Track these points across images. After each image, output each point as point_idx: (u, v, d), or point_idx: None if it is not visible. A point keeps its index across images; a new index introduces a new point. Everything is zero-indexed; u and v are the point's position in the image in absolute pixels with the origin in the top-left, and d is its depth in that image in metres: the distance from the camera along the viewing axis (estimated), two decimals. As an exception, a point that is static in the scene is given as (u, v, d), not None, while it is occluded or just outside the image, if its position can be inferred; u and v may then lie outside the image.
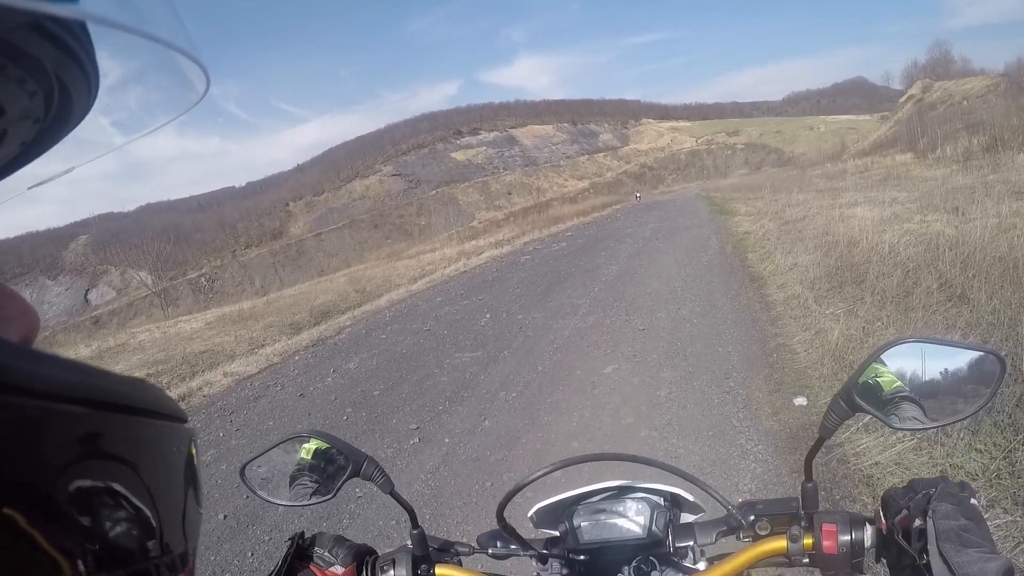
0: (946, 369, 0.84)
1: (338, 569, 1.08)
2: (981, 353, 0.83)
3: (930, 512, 0.82)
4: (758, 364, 5.71)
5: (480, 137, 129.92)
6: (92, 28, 0.33)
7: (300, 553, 1.08)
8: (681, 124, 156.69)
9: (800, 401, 4.72)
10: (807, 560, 0.97)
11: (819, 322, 6.31)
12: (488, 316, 10.05)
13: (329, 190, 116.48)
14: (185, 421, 0.35)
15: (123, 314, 66.27)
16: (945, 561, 0.75)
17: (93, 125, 0.38)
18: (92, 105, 0.37)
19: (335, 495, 1.10)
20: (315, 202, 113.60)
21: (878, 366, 0.85)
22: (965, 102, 57.44)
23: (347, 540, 1.12)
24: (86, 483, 0.26)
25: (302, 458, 1.12)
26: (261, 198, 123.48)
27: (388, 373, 7.58)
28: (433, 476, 4.55)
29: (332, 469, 1.10)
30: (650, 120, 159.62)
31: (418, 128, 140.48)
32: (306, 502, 1.11)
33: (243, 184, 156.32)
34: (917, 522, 0.84)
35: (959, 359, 0.84)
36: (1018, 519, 2.86)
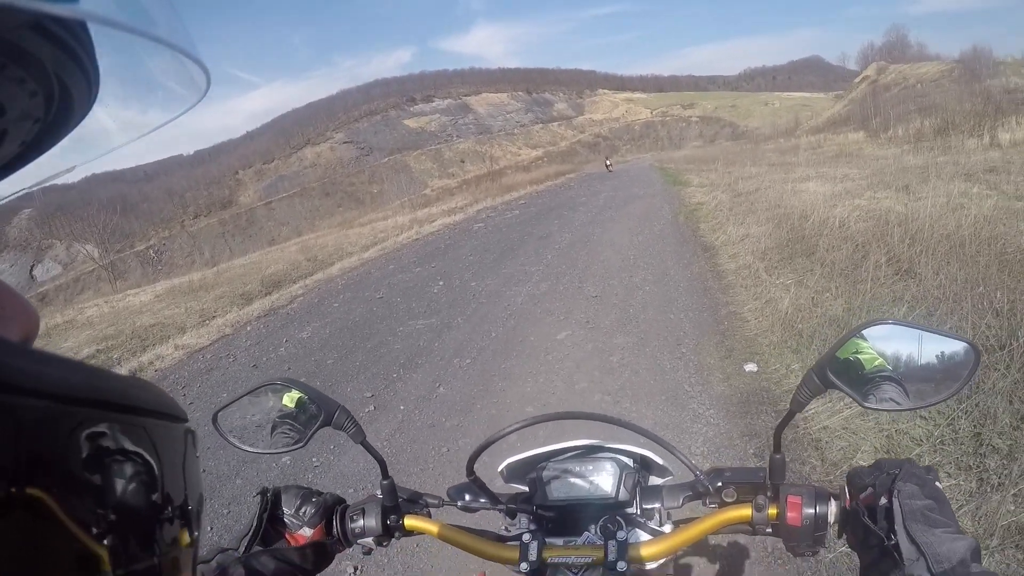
0: (922, 354, 0.84)
1: (306, 531, 1.09)
2: (957, 341, 0.83)
3: (896, 492, 0.84)
4: (709, 331, 5.79)
5: (434, 104, 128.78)
6: (92, 28, 0.33)
7: (270, 512, 1.07)
8: (637, 96, 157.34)
9: (751, 367, 4.81)
10: (770, 530, 0.99)
11: (769, 291, 6.41)
12: (441, 283, 10.02)
13: (279, 158, 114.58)
14: (185, 420, 0.36)
15: (70, 289, 64.52)
16: (913, 540, 0.77)
17: (93, 125, 0.38)
18: (92, 105, 0.37)
19: (307, 444, 1.09)
20: (265, 170, 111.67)
21: (854, 344, 0.85)
22: (919, 85, 58.38)
23: (314, 493, 1.13)
24: (92, 482, 0.26)
25: (275, 406, 1.11)
26: (210, 167, 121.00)
27: (342, 342, 7.52)
28: (389, 443, 4.54)
29: (304, 418, 1.10)
30: (605, 91, 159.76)
31: (371, 95, 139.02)
32: (278, 450, 1.11)
33: (191, 152, 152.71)
34: (883, 501, 0.86)
35: (935, 345, 0.84)
36: (961, 483, 2.95)
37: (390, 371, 6.09)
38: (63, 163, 0.40)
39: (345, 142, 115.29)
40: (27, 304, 0.36)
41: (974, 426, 3.31)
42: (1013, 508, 2.70)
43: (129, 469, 0.29)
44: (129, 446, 0.29)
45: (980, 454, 3.12)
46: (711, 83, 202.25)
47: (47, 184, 0.41)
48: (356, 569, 3.16)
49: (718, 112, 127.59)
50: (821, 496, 0.94)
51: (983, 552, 2.48)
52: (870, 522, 0.85)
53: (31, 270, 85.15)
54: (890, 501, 0.84)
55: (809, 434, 3.67)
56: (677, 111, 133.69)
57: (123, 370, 7.95)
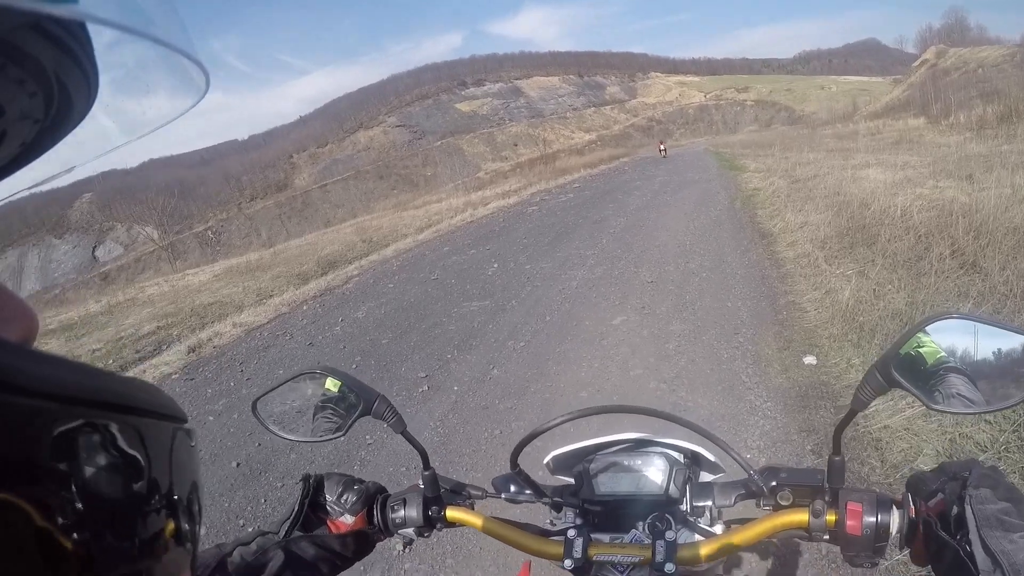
0: (993, 351, 0.76)
1: (348, 519, 1.08)
2: None
3: (967, 498, 0.77)
4: (768, 321, 5.67)
5: (485, 88, 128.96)
6: (92, 28, 0.33)
7: (311, 498, 1.07)
8: (690, 79, 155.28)
9: (810, 360, 4.68)
10: (827, 537, 0.93)
11: (830, 282, 6.25)
12: (496, 266, 10.03)
13: (333, 141, 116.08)
14: (185, 420, 0.35)
15: (131, 269, 66.31)
16: (988, 550, 0.71)
17: (93, 125, 0.37)
18: (92, 105, 0.37)
19: (346, 433, 1.08)
20: (319, 154, 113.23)
21: (920, 340, 0.78)
22: (980, 70, 56.64)
23: (356, 481, 1.12)
24: (91, 482, 0.26)
25: (314, 394, 1.10)
26: (265, 151, 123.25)
27: (396, 322, 7.57)
28: (442, 424, 4.56)
29: (344, 406, 1.09)
30: (658, 74, 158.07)
31: (422, 79, 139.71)
32: (317, 438, 1.10)
33: (246, 137, 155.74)
34: (955, 510, 0.79)
35: (1008, 342, 0.75)
36: None
37: (444, 352, 6.11)
38: (63, 164, 0.39)
39: (398, 125, 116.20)
40: (26, 305, 0.36)
41: None
42: None
43: (128, 470, 0.28)
44: (128, 446, 0.29)
45: None
46: (765, 66, 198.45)
47: (50, 184, 0.41)
48: (405, 547, 3.17)
49: (773, 96, 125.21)
50: (884, 504, 0.89)
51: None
52: (944, 533, 0.79)
53: (93, 251, 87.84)
54: (962, 508, 0.77)
55: (869, 433, 3.55)
56: (731, 95, 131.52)
57: (183, 347, 8.14)
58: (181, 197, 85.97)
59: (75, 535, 0.24)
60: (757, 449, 3.64)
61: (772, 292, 6.48)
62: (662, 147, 39.66)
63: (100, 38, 0.34)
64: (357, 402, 1.07)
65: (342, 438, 1.10)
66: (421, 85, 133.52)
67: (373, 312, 8.34)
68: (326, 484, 1.10)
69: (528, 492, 1.16)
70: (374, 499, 1.13)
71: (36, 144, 0.35)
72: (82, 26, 0.33)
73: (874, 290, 5.65)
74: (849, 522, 0.89)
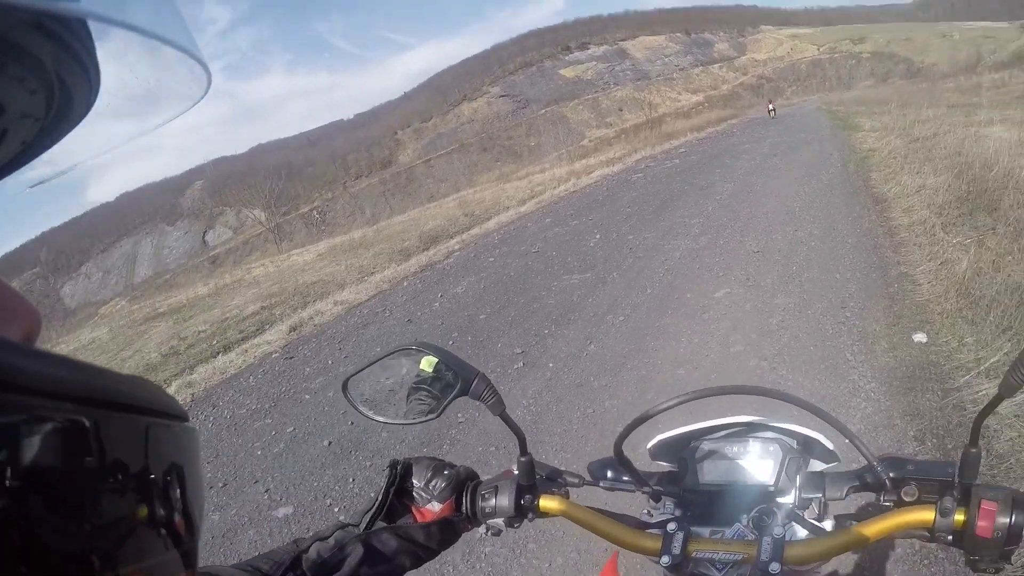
0: None
1: (435, 506, 1.04)
2: None
3: None
4: (877, 294, 5.41)
5: (589, 52, 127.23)
6: (93, 26, 0.33)
7: (398, 484, 1.04)
8: (802, 31, 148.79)
9: (920, 337, 4.42)
10: (951, 538, 0.83)
11: (946, 251, 5.87)
12: (598, 237, 9.95)
13: (437, 115, 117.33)
14: (186, 419, 0.35)
15: (239, 252, 69.29)
16: None
17: (94, 124, 0.37)
18: (93, 103, 0.36)
19: (440, 414, 1.02)
20: (423, 129, 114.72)
21: None
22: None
23: (446, 466, 1.08)
24: (92, 480, 0.26)
25: (409, 372, 1.04)
26: (370, 128, 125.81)
27: (495, 296, 7.61)
28: (535, 401, 4.55)
29: (440, 385, 1.02)
30: (769, 27, 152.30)
31: (525, 46, 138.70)
32: (410, 420, 1.04)
33: (352, 116, 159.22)
34: None
35: None
36: None
37: (542, 327, 6.09)
38: (64, 162, 0.39)
39: (501, 96, 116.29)
40: (28, 304, 0.35)
41: None
42: None
43: (129, 469, 0.29)
44: (129, 445, 0.29)
45: None
46: (883, 13, 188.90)
47: (51, 182, 0.41)
48: (494, 535, 3.17)
49: (891, 47, 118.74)
50: (1021, 503, 0.78)
51: None
52: None
53: (204, 236, 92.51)
54: None
55: (973, 417, 3.28)
56: (846, 47, 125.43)
57: (284, 326, 8.41)
58: (288, 179, 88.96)
59: (76, 536, 0.25)
60: (858, 433, 3.43)
61: (883, 262, 6.18)
62: (771, 107, 37.65)
63: (101, 36, 0.34)
64: (455, 381, 1.01)
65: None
66: (524, 53, 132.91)
67: (472, 287, 8.41)
68: (414, 469, 1.07)
69: (627, 479, 1.11)
70: (464, 485, 1.09)
71: (37, 142, 0.36)
72: (83, 24, 0.33)
73: (994, 261, 5.25)
74: (981, 522, 0.80)
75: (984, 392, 3.45)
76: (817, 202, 9.51)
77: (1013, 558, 0.81)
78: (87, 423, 0.26)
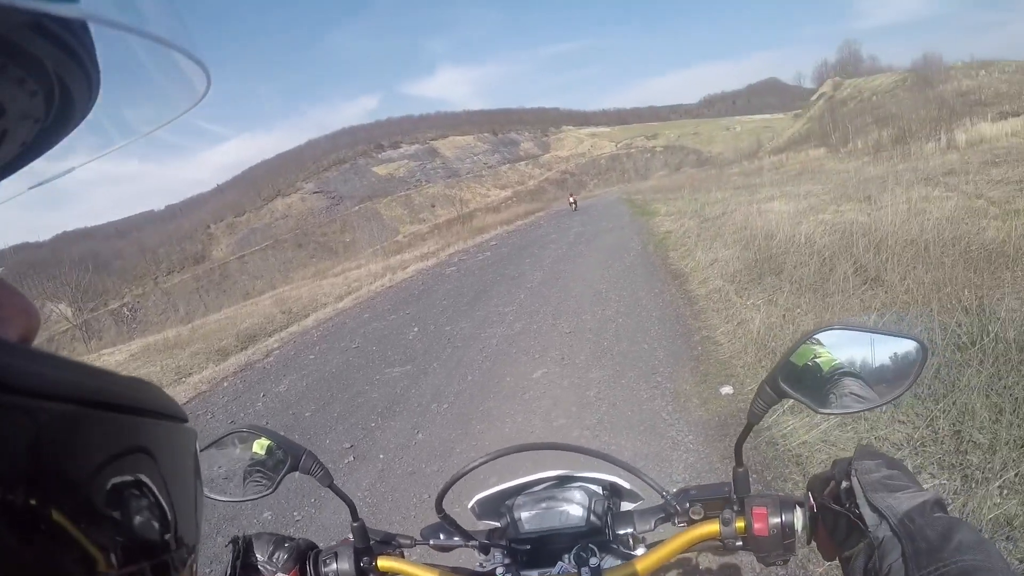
0: (869, 355, 0.85)
1: None
2: (903, 339, 0.85)
3: (853, 471, 0.87)
4: (684, 357, 5.84)
5: (402, 150, 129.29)
6: (93, 27, 0.33)
7: (243, 560, 1.07)
8: (600, 130, 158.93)
9: (727, 390, 4.86)
10: (740, 543, 0.99)
11: (741, 313, 6.49)
12: (416, 329, 10.01)
13: (251, 210, 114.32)
14: (185, 420, 0.36)
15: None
16: (874, 507, 0.79)
17: (94, 125, 0.38)
18: (93, 105, 0.37)
19: (275, 489, 1.09)
20: (237, 223, 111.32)
21: (803, 352, 0.86)
22: (874, 97, 60.00)
23: (286, 539, 1.13)
24: (93, 481, 0.26)
25: (242, 454, 1.11)
26: (182, 221, 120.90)
27: (319, 393, 7.50)
28: (371, 493, 4.54)
29: (272, 463, 1.10)
30: (570, 127, 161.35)
31: (339, 143, 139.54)
32: (247, 497, 1.10)
33: (163, 207, 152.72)
34: (844, 484, 0.88)
35: (882, 345, 0.85)
36: (945, 482, 2.99)
37: (368, 420, 6.08)
38: (63, 164, 0.40)
39: (315, 192, 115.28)
40: (28, 303, 0.36)
41: (953, 425, 3.36)
42: (999, 500, 2.74)
43: (129, 470, 0.29)
44: (130, 446, 0.29)
45: (962, 451, 3.16)
46: (673, 112, 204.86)
47: (50, 183, 0.41)
48: None
49: (681, 140, 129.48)
50: (786, 503, 0.96)
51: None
52: (836, 506, 0.87)
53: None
54: (849, 481, 0.86)
55: (789, 450, 3.70)
56: (641, 142, 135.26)
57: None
58: (96, 272, 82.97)
59: (76, 536, 0.25)
60: (683, 480, 3.71)
61: (687, 329, 6.69)
62: (572, 199, 39.30)
63: (101, 37, 0.34)
64: (285, 458, 1.08)
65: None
66: (338, 149, 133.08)
67: (295, 385, 8.24)
68: (256, 544, 1.11)
69: (456, 537, 1.18)
70: (305, 555, 1.13)
71: (36, 144, 0.36)
72: (83, 25, 0.33)
73: (783, 315, 5.92)
74: (756, 525, 0.95)
75: (790, 427, 3.85)
76: (621, 282, 10.11)
77: (797, 548, 0.97)
78: (86, 424, 0.26)
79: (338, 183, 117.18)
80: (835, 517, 0.88)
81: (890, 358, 0.85)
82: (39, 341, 0.38)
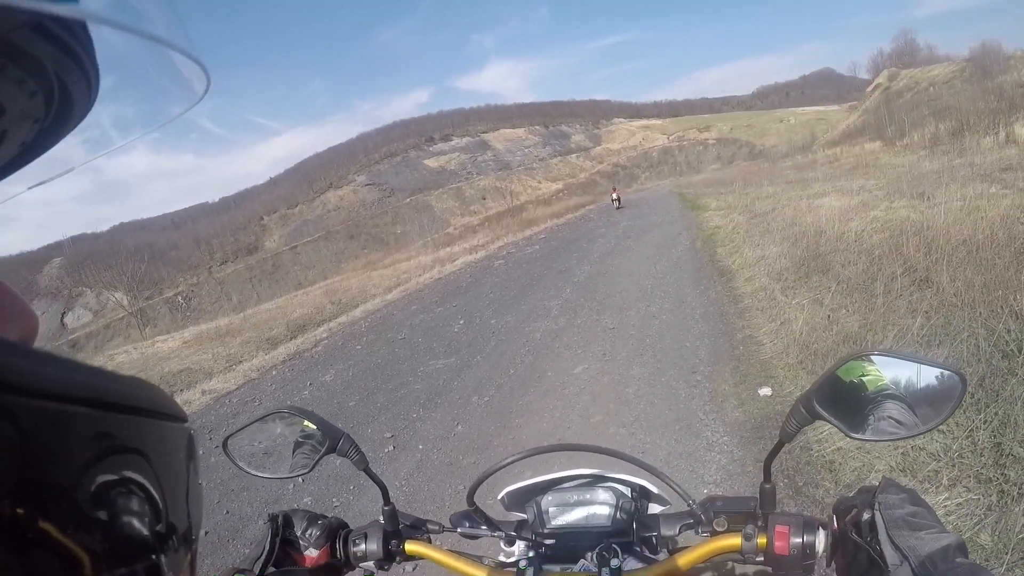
0: (908, 382, 0.84)
1: (313, 552, 1.13)
2: (943, 370, 0.83)
3: (877, 504, 0.86)
4: (725, 357, 5.79)
5: (453, 143, 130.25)
6: (92, 28, 0.34)
7: (280, 534, 1.11)
8: (652, 122, 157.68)
9: (765, 391, 4.80)
10: (760, 558, 1.00)
11: (785, 312, 6.39)
12: (462, 322, 10.08)
13: (303, 202, 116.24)
14: (185, 420, 0.36)
15: (100, 336, 65.34)
16: (896, 546, 0.78)
17: (93, 125, 0.38)
18: (92, 105, 0.37)
19: (312, 469, 1.14)
20: (289, 215, 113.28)
21: (841, 374, 0.86)
22: (931, 88, 58.32)
23: (319, 516, 1.17)
24: (92, 481, 0.26)
25: (282, 433, 1.15)
26: (235, 213, 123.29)
27: (363, 383, 7.60)
28: (407, 482, 4.59)
29: (311, 444, 1.13)
30: (621, 119, 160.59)
31: (390, 136, 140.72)
32: (284, 475, 1.15)
33: (217, 200, 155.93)
34: (866, 515, 0.87)
35: (921, 373, 0.84)
36: (980, 497, 2.90)
37: (410, 411, 6.15)
38: (63, 164, 0.40)
39: (367, 184, 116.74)
40: (26, 305, 0.36)
41: (993, 436, 3.24)
42: None
43: (128, 470, 0.29)
44: (129, 446, 0.29)
45: (1000, 465, 3.05)
46: (725, 104, 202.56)
47: (50, 184, 0.41)
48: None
49: (734, 132, 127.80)
50: (809, 525, 0.96)
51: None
52: (857, 536, 0.86)
53: (62, 317, 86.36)
54: (872, 514, 0.85)
55: (823, 456, 3.63)
56: (693, 135, 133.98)
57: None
58: (151, 262, 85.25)
59: (74, 536, 0.25)
60: (713, 483, 3.69)
61: (729, 328, 6.62)
62: (615, 196, 33.76)
63: (101, 38, 0.34)
64: (323, 440, 1.12)
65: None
66: (390, 142, 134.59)
67: (341, 375, 8.36)
68: (293, 520, 1.15)
69: (483, 527, 1.21)
70: (336, 533, 1.17)
71: (36, 144, 0.36)
72: (83, 26, 0.33)
73: (828, 316, 5.79)
74: (777, 543, 0.96)
75: (826, 432, 3.78)
76: (668, 278, 10.03)
77: (816, 571, 0.98)
78: (85, 424, 0.26)
79: (390, 175, 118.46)
80: (855, 548, 0.87)
81: (927, 387, 0.84)
82: (38, 344, 0.38)
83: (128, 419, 0.29)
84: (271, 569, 1.05)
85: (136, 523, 0.29)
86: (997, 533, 2.66)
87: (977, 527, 2.73)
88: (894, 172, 17.05)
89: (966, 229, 6.76)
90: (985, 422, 3.36)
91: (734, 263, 9.97)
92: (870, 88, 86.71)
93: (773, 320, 6.37)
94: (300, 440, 1.14)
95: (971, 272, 5.48)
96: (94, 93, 0.36)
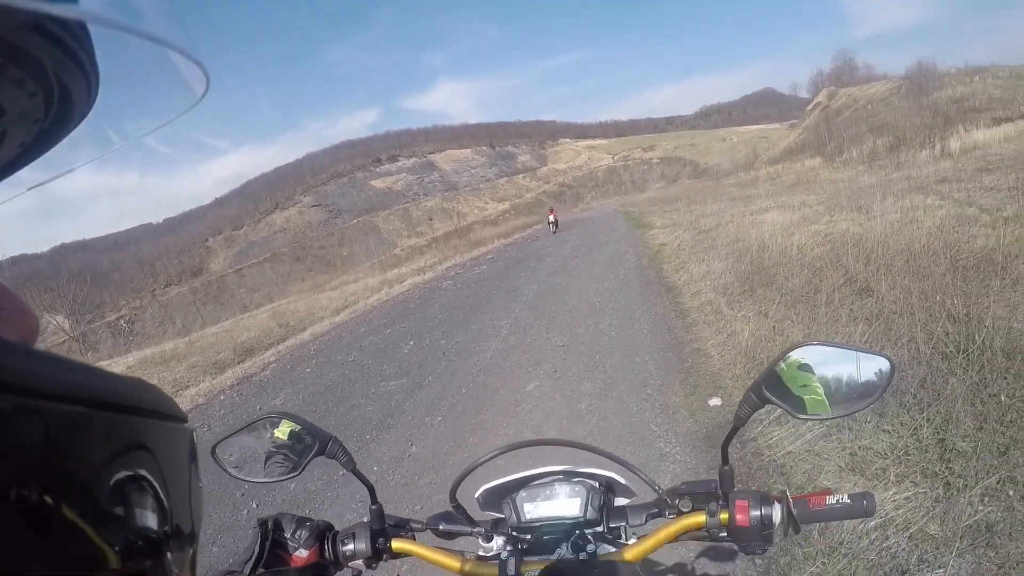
0: (844, 368, 0.95)
1: (303, 552, 1.15)
2: (876, 356, 0.95)
3: None
4: (674, 370, 5.87)
5: (400, 164, 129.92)
6: (92, 28, 0.34)
7: (270, 538, 1.13)
8: (598, 142, 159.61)
9: (715, 401, 4.88)
10: (724, 533, 1.09)
11: (731, 325, 6.50)
12: (412, 343, 10.02)
13: (249, 224, 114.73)
14: (185, 421, 0.36)
15: (39, 362, 63.00)
16: None
17: (93, 126, 0.38)
18: (92, 106, 0.37)
19: (301, 472, 1.17)
20: (235, 236, 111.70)
21: (785, 365, 0.96)
22: (869, 106, 60.10)
23: (307, 519, 1.19)
24: (93, 481, 0.26)
25: (270, 438, 1.17)
26: (180, 234, 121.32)
27: (314, 406, 7.51)
28: (363, 505, 4.53)
29: (299, 448, 1.16)
30: (567, 140, 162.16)
31: (337, 157, 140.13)
32: (274, 479, 1.17)
33: (161, 220, 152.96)
34: None
35: (856, 360, 0.95)
36: (927, 490, 3.01)
37: (363, 433, 6.09)
38: (63, 164, 0.40)
39: (314, 205, 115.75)
40: (26, 306, 0.36)
41: (936, 432, 3.38)
42: (980, 507, 2.76)
43: (131, 468, 0.29)
44: (129, 446, 0.29)
45: (945, 460, 3.18)
46: (669, 124, 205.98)
47: (49, 184, 0.41)
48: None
49: (678, 152, 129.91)
50: (766, 499, 1.06)
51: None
52: None
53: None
54: None
55: (774, 461, 3.72)
56: (638, 154, 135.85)
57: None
58: (94, 284, 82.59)
59: (77, 536, 0.25)
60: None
61: (678, 342, 6.71)
62: (551, 218, 30.28)
63: (100, 38, 0.34)
64: (312, 443, 1.15)
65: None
66: (337, 163, 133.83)
67: (291, 398, 8.25)
68: (282, 524, 1.17)
69: (463, 525, 1.28)
70: (324, 534, 1.20)
71: (36, 144, 0.36)
72: (83, 26, 0.33)
73: (773, 327, 5.93)
74: (738, 516, 1.06)
75: (776, 437, 3.89)
76: (615, 295, 10.13)
77: (775, 539, 1.07)
78: (90, 424, 0.26)
79: (336, 196, 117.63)
80: None
81: (863, 372, 0.96)
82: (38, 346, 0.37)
83: (130, 419, 0.30)
84: (261, 570, 1.07)
85: (141, 519, 0.30)
86: (945, 523, 2.77)
87: (926, 518, 2.83)
88: (834, 187, 17.56)
89: (904, 239, 7.01)
90: (928, 420, 3.50)
91: (680, 279, 10.11)
92: (810, 107, 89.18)
93: (720, 332, 6.48)
94: (289, 443, 1.17)
95: (909, 280, 5.68)
96: (94, 93, 0.37)
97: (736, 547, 1.10)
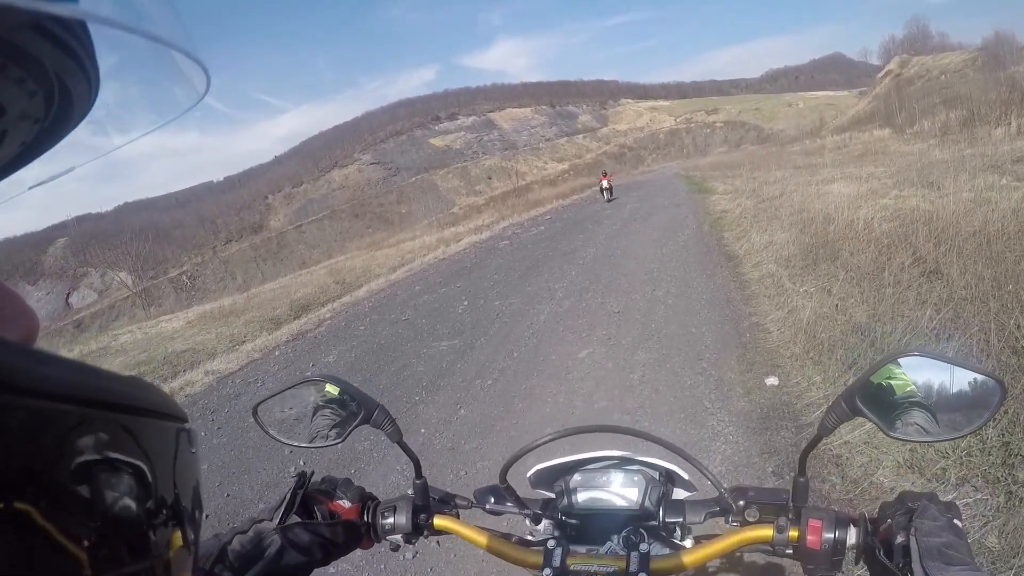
0: (948, 385, 0.85)
1: (346, 503, 1.13)
2: (984, 376, 0.84)
3: (913, 529, 0.85)
4: (731, 344, 5.73)
5: (458, 122, 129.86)
6: (92, 28, 0.33)
7: (304, 487, 1.10)
8: (660, 103, 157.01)
9: (772, 381, 4.73)
10: (790, 551, 1.00)
11: (793, 300, 6.33)
12: (466, 303, 10.04)
13: (308, 181, 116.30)
14: (185, 420, 0.36)
15: (105, 316, 65.49)
16: None
17: (93, 125, 0.38)
18: (92, 105, 0.37)
19: (344, 440, 1.12)
20: (294, 194, 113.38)
21: (884, 373, 0.87)
22: (943, 77, 58.03)
23: (353, 483, 1.17)
24: (92, 481, 0.26)
25: (315, 401, 1.13)
26: (240, 192, 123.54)
27: (366, 365, 7.57)
28: (409, 467, 4.54)
29: (344, 414, 1.12)
30: (629, 100, 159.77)
31: (396, 115, 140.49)
32: (316, 444, 1.12)
33: (221, 179, 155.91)
34: (899, 538, 0.87)
35: (962, 377, 0.84)
36: (988, 497, 2.87)
37: (412, 394, 6.11)
38: (63, 164, 0.40)
39: (372, 163, 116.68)
40: (26, 305, 0.36)
41: (1002, 435, 3.20)
42: None
43: (127, 469, 0.29)
44: (128, 446, 0.29)
45: (1009, 465, 3.01)
46: (734, 87, 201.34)
47: (50, 183, 0.41)
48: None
49: (742, 116, 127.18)
50: (842, 521, 0.96)
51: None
52: (886, 559, 0.86)
53: (67, 297, 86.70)
54: (907, 538, 0.85)
55: (830, 450, 3.58)
56: (701, 117, 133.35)
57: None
58: (156, 241, 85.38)
59: (76, 536, 0.25)
60: (719, 474, 3.64)
61: (736, 315, 6.57)
62: (605, 184, 27.58)
63: (101, 38, 0.34)
64: (357, 411, 1.11)
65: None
66: (395, 121, 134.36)
67: (344, 356, 8.34)
68: (325, 481, 1.16)
69: (510, 504, 1.21)
70: (367, 501, 1.17)
71: (36, 144, 0.36)
72: (83, 25, 0.33)
73: (836, 305, 5.75)
74: (810, 537, 0.96)
75: None
76: (674, 262, 9.97)
77: (844, 567, 0.98)
78: (86, 424, 0.26)
79: (395, 154, 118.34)
80: (882, 570, 0.87)
81: (966, 391, 0.84)
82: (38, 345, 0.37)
83: (128, 419, 0.29)
84: (293, 518, 1.03)
85: (139, 521, 0.29)
86: (1005, 535, 2.63)
87: (984, 528, 2.70)
88: (903, 160, 16.97)
89: (977, 221, 6.71)
90: (994, 420, 3.30)
91: (741, 248, 9.92)
92: (880, 74, 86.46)
93: (780, 307, 6.31)
94: (333, 409, 1.13)
95: (981, 265, 5.44)
96: (94, 93, 0.36)
97: (801, 567, 1.01)
